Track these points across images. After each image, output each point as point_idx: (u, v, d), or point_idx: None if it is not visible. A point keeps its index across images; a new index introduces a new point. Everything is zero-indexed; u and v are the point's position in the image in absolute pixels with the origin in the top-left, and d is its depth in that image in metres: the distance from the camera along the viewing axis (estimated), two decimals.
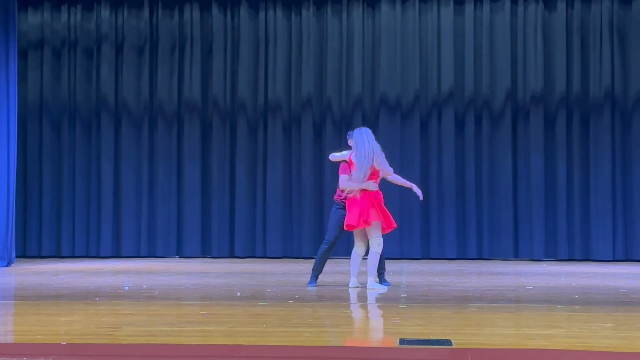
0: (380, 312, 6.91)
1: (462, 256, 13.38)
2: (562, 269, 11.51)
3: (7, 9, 12.04)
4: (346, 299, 7.75)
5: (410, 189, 8.82)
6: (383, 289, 8.26)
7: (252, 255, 13.65)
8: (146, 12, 13.96)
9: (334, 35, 13.79)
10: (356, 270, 8.40)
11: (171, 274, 10.43)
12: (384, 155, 8.36)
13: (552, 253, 13.36)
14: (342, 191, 8.35)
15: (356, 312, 6.92)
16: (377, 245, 8.22)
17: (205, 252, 13.79)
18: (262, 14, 13.90)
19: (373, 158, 8.20)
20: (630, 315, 6.62)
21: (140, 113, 13.94)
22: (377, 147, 8.29)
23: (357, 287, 8.37)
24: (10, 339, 5.50)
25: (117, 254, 13.75)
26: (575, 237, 13.33)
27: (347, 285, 8.55)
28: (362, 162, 8.19)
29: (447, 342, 5.12)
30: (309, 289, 8.44)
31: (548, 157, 13.46)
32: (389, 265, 9.61)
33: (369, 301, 7.59)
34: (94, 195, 13.86)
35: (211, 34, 13.95)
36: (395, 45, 13.66)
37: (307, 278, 8.78)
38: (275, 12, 13.89)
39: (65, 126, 13.93)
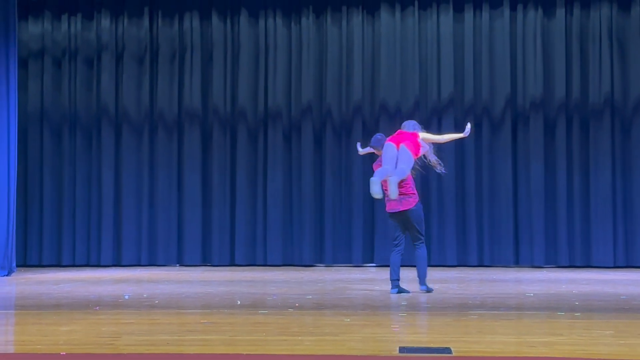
0: (380, 320, 6.91)
1: (462, 263, 13.37)
2: (562, 276, 11.50)
3: (7, 18, 12.07)
4: (346, 307, 7.75)
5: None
6: None
7: (252, 263, 13.63)
8: (146, 21, 13.98)
9: (333, 43, 13.80)
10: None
11: (172, 283, 10.43)
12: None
13: (552, 260, 13.34)
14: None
15: (356, 320, 6.92)
16: None
17: (206, 260, 13.78)
18: (261, 22, 13.92)
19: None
20: (631, 322, 6.62)
21: (140, 121, 13.94)
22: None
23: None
24: (10, 348, 5.50)
25: (117, 263, 13.74)
26: (575, 244, 13.32)
27: (347, 293, 8.57)
28: None
29: (447, 350, 5.13)
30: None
31: (548, 163, 13.46)
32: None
33: (368, 309, 7.59)
34: (95, 203, 13.86)
35: (211, 42, 13.96)
36: (395, 53, 13.68)
37: (308, 286, 8.78)
38: (275, 20, 13.91)
39: (66, 135, 13.94)
